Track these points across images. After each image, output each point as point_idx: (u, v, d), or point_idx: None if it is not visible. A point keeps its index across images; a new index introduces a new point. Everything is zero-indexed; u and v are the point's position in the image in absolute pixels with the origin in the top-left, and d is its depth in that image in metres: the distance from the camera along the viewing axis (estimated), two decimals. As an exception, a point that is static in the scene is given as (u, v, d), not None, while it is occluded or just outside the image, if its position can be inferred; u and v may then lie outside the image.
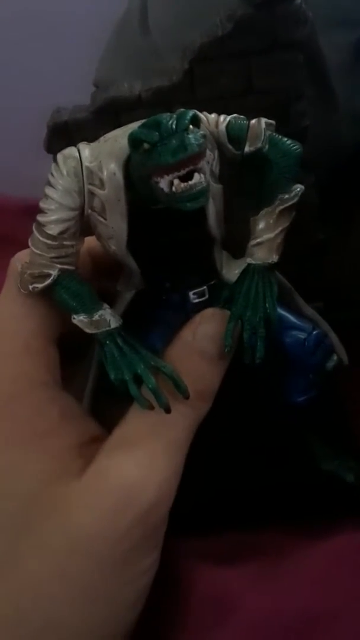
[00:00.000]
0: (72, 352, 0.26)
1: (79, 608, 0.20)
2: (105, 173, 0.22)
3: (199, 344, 0.23)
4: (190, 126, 0.20)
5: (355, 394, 0.31)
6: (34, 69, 0.53)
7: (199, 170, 0.20)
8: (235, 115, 0.23)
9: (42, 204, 0.22)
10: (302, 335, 0.25)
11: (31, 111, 0.34)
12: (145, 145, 0.20)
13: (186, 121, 0.20)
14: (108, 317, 0.23)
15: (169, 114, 0.20)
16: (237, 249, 0.25)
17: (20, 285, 0.23)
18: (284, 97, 0.30)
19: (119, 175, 0.22)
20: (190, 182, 0.20)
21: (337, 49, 0.38)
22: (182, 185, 0.20)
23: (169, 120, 0.20)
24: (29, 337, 0.23)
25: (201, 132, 0.20)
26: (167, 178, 0.20)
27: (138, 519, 0.20)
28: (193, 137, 0.19)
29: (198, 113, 0.22)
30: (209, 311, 0.24)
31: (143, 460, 0.21)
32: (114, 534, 0.20)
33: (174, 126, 0.19)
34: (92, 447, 0.22)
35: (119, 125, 0.31)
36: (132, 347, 0.23)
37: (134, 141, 0.20)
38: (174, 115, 0.20)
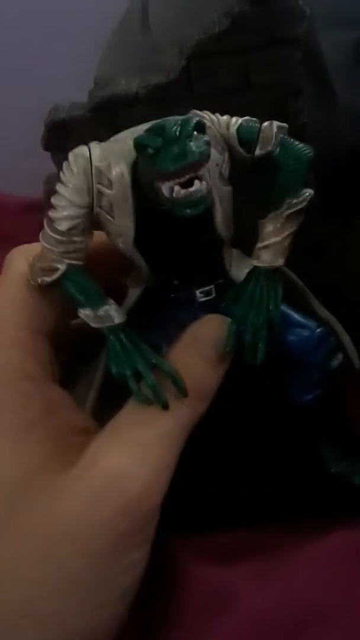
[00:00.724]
0: (79, 353, 0.26)
1: (59, 595, 0.20)
2: (113, 174, 0.22)
3: (199, 347, 0.23)
4: (195, 133, 0.20)
5: (356, 391, 0.31)
6: (32, 68, 0.53)
7: (200, 178, 0.20)
8: (247, 118, 0.23)
9: (53, 200, 0.23)
10: (305, 333, 0.25)
11: (29, 109, 0.34)
12: (149, 150, 0.20)
13: (190, 128, 0.20)
14: (112, 313, 0.23)
15: (175, 118, 0.20)
16: (250, 246, 0.25)
17: (30, 277, 0.24)
18: (281, 93, 0.30)
19: (127, 177, 0.22)
20: (190, 190, 0.20)
21: (338, 48, 0.38)
22: (182, 192, 0.20)
23: (174, 126, 0.20)
24: (18, 330, 0.24)
25: (205, 138, 0.20)
26: (167, 184, 0.20)
27: (123, 509, 0.20)
28: (195, 144, 0.20)
29: (205, 117, 0.23)
30: (210, 317, 0.24)
31: (133, 451, 0.21)
32: (97, 521, 0.20)
33: (177, 132, 0.20)
34: (81, 438, 0.22)
35: (117, 123, 0.32)
36: (134, 344, 0.23)
37: (138, 146, 0.20)
38: (179, 121, 0.20)
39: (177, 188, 0.20)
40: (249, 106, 0.29)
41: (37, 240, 0.24)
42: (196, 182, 0.20)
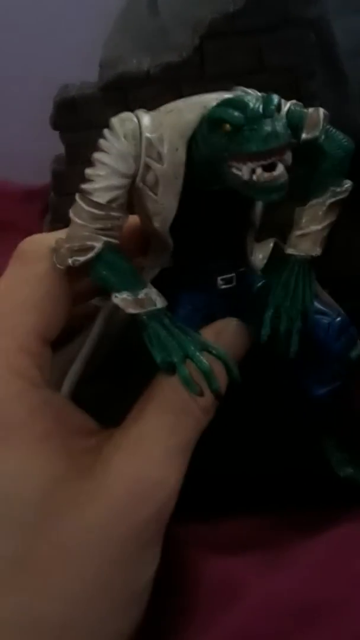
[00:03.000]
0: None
1: (95, 607, 0.20)
2: (166, 147, 0.20)
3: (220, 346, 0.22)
4: (276, 113, 0.19)
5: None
6: (39, 53, 0.53)
7: (284, 162, 0.19)
8: (294, 101, 0.22)
9: (89, 171, 0.21)
10: (326, 320, 0.24)
11: (36, 95, 0.34)
12: (228, 127, 0.19)
13: (273, 106, 0.19)
14: (154, 297, 0.21)
15: (251, 94, 0.19)
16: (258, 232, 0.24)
17: (56, 260, 0.22)
18: (295, 75, 0.29)
19: (182, 152, 0.20)
20: (274, 173, 0.19)
21: (350, 32, 0.37)
22: (267, 175, 0.18)
23: (256, 102, 0.18)
24: (26, 335, 0.22)
25: (284, 120, 0.19)
26: (250, 165, 0.19)
27: (154, 516, 0.20)
28: (281, 125, 0.18)
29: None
30: (227, 319, 0.23)
31: (162, 459, 0.21)
32: (131, 531, 0.20)
33: (261, 110, 0.18)
34: (92, 441, 0.22)
35: (127, 103, 0.31)
36: (180, 329, 0.21)
37: (216, 120, 0.19)
38: (259, 97, 0.19)
39: (259, 171, 0.18)
40: (261, 88, 0.29)
41: (37, 228, 0.22)
42: (279, 165, 0.19)
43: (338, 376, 0.25)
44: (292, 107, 0.22)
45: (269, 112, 0.18)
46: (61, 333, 0.23)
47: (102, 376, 0.23)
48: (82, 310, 0.24)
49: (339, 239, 0.35)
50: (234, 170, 0.19)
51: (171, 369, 0.21)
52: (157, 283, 0.23)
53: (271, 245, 0.24)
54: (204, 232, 0.22)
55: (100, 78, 0.31)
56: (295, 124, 0.21)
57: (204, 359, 0.21)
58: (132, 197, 0.21)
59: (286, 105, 0.22)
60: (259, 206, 0.22)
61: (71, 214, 0.21)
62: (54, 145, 0.33)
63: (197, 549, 0.25)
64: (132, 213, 0.22)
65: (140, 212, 0.22)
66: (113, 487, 0.20)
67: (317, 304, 0.24)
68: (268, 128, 0.18)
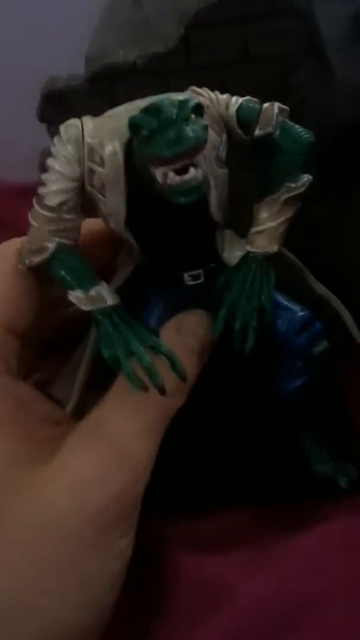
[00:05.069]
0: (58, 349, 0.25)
1: (49, 589, 0.19)
2: (106, 151, 0.21)
3: (182, 337, 0.23)
4: (193, 115, 0.19)
5: (355, 378, 0.31)
6: (27, 47, 0.52)
7: (195, 165, 0.19)
8: (248, 98, 0.22)
9: (43, 176, 0.22)
10: (288, 315, 0.25)
11: (25, 89, 0.34)
12: (144, 132, 0.19)
13: (187, 110, 0.19)
14: (104, 294, 0.22)
15: (172, 99, 0.19)
16: (246, 227, 0.24)
17: (19, 261, 0.23)
18: (282, 66, 0.29)
19: (120, 156, 0.21)
20: (184, 177, 0.19)
21: (335, 21, 0.37)
22: (177, 179, 0.19)
23: (170, 107, 0.19)
24: None
25: (203, 122, 0.19)
26: (161, 170, 0.19)
27: (114, 498, 0.20)
28: (192, 129, 0.19)
29: (204, 95, 0.22)
30: (193, 310, 0.24)
31: (120, 443, 0.21)
32: (89, 511, 0.20)
33: (174, 115, 0.19)
34: (56, 430, 0.22)
35: (114, 94, 0.31)
36: (128, 325, 0.22)
37: (132, 126, 0.19)
38: (177, 102, 0.19)
39: (171, 174, 0.19)
40: (248, 78, 0.29)
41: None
42: (191, 169, 0.19)
43: (304, 372, 0.25)
44: (244, 104, 0.22)
45: (182, 116, 0.19)
46: (61, 339, 0.24)
47: (108, 381, 0.23)
48: (75, 314, 0.24)
49: (331, 228, 0.35)
50: (154, 174, 0.19)
51: (117, 364, 0.21)
52: (132, 280, 0.23)
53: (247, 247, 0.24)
54: (164, 230, 0.23)
55: (87, 71, 0.31)
56: (246, 120, 0.22)
57: (147, 355, 0.21)
58: (90, 201, 0.22)
59: (238, 102, 0.22)
60: (214, 205, 0.22)
61: (29, 217, 0.22)
62: (41, 139, 0.33)
63: (181, 547, 0.26)
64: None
65: (99, 215, 0.22)
66: (70, 470, 0.20)
67: (281, 300, 0.25)
68: (174, 133, 0.19)
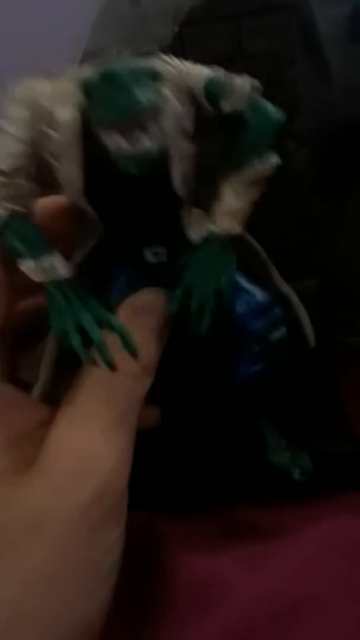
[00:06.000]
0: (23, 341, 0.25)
1: (44, 595, 0.19)
2: (60, 116, 0.20)
3: (139, 316, 0.22)
4: (151, 82, 0.18)
5: (349, 370, 0.31)
6: (23, 47, 0.52)
7: (148, 132, 0.18)
8: (220, 71, 0.21)
9: None
10: (247, 298, 0.24)
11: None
12: (96, 96, 0.18)
13: (142, 76, 0.18)
14: (57, 264, 0.21)
15: (129, 64, 0.18)
16: (206, 200, 0.23)
17: None
18: (275, 62, 0.29)
19: (75, 121, 0.20)
20: (135, 144, 0.18)
21: (332, 20, 0.37)
22: (125, 146, 0.18)
23: (124, 71, 0.18)
24: None
25: (160, 89, 0.19)
26: (113, 136, 0.18)
27: (99, 490, 0.20)
28: (144, 94, 0.18)
29: (171, 64, 0.21)
30: (147, 289, 0.23)
31: (96, 432, 0.20)
32: (76, 508, 0.20)
33: (126, 79, 0.18)
34: (41, 432, 0.22)
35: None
36: (81, 299, 0.21)
37: (85, 90, 0.19)
38: (132, 67, 0.18)
39: (121, 140, 0.18)
40: (241, 74, 0.29)
41: None
42: (142, 137, 0.18)
43: (262, 358, 0.24)
44: (214, 77, 0.21)
45: (134, 81, 0.18)
46: (28, 333, 0.23)
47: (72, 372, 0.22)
48: (37, 306, 0.24)
49: (327, 224, 0.35)
50: (105, 141, 0.18)
51: (65, 338, 0.21)
52: (95, 256, 0.22)
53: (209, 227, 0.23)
54: (123, 202, 0.22)
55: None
56: (214, 94, 0.21)
57: (98, 330, 0.20)
58: (47, 168, 0.21)
59: (208, 76, 0.21)
60: (177, 180, 0.21)
61: None
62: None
63: (180, 546, 0.26)
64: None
65: (58, 185, 0.21)
66: (50, 469, 0.20)
67: (242, 282, 0.24)
68: (124, 97, 0.18)
